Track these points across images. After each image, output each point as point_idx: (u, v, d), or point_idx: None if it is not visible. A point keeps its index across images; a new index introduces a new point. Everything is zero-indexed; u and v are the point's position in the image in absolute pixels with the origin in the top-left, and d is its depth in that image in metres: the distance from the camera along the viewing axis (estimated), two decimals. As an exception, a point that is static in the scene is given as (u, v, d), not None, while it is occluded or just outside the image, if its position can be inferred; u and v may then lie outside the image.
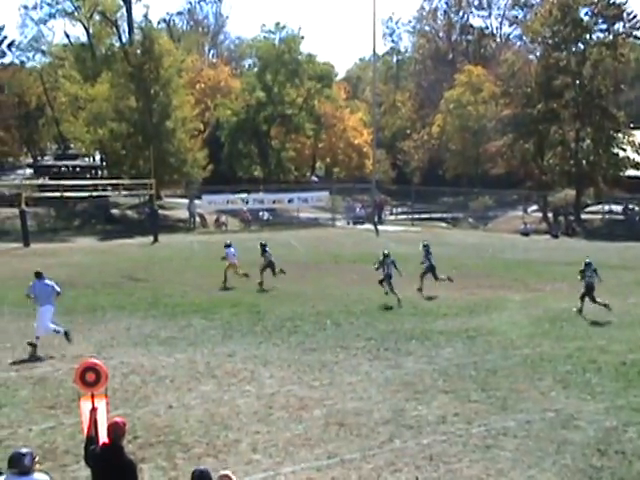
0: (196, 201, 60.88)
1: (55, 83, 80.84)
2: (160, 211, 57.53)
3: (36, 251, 44.61)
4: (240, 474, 12.29)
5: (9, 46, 70.09)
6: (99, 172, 78.04)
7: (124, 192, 58.08)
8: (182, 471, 12.17)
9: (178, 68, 66.64)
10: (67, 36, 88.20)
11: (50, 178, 68.99)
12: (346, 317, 24.53)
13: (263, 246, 32.37)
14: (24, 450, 8.91)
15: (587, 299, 25.28)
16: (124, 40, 75.93)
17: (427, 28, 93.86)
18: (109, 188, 59.12)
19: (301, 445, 13.61)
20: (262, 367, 18.65)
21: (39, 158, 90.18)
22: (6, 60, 71.69)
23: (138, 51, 65.49)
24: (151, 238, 49.77)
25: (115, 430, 9.18)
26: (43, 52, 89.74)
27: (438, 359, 19.42)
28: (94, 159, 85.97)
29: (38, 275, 21.73)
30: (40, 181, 68.96)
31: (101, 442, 9.44)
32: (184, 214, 61.40)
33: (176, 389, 16.89)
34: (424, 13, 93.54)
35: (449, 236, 53.29)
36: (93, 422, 9.67)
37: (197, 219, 60.34)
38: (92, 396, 9.84)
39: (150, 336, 22.02)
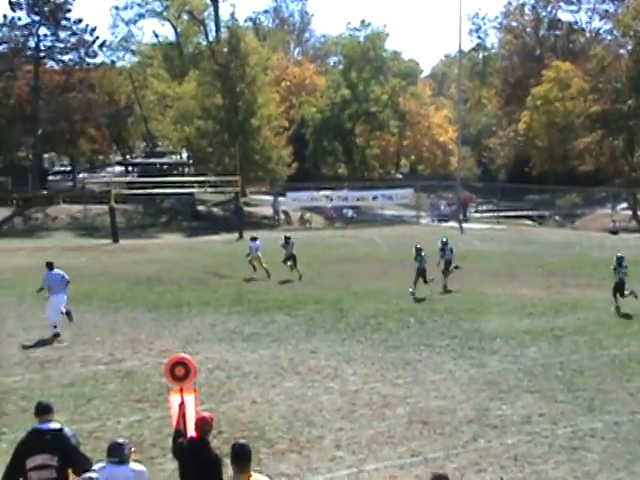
0: (280, 198, 61.21)
1: (144, 82, 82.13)
2: (245, 208, 58.02)
3: (125, 247, 45.39)
4: (323, 470, 12.37)
5: (100, 46, 71.36)
6: (186, 169, 79.02)
7: (210, 189, 58.75)
8: (266, 466, 12.26)
9: (264, 66, 67.08)
10: (156, 35, 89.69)
11: (138, 175, 70.18)
12: (430, 315, 24.41)
13: (287, 238, 33.41)
14: (121, 440, 9.15)
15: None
16: (211, 39, 76.86)
17: (514, 23, 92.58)
18: (195, 185, 59.82)
19: (384, 443, 13.59)
20: (345, 364, 18.66)
21: (128, 156, 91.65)
22: (97, 60, 73.05)
23: (225, 49, 66.16)
24: (236, 235, 50.18)
25: (203, 425, 9.29)
26: (133, 52, 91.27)
27: (523, 358, 19.20)
28: (181, 156, 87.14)
29: (49, 265, 22.97)
30: (129, 178, 70.21)
31: (189, 436, 9.58)
32: (269, 211, 61.83)
33: (260, 385, 17.01)
34: (511, 8, 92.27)
35: (535, 234, 52.62)
36: (181, 416, 9.82)
37: (282, 216, 60.67)
38: (181, 390, 9.98)
39: (234, 332, 22.22)
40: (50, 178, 78.53)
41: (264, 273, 32.37)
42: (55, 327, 21.96)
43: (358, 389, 16.64)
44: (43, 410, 9.40)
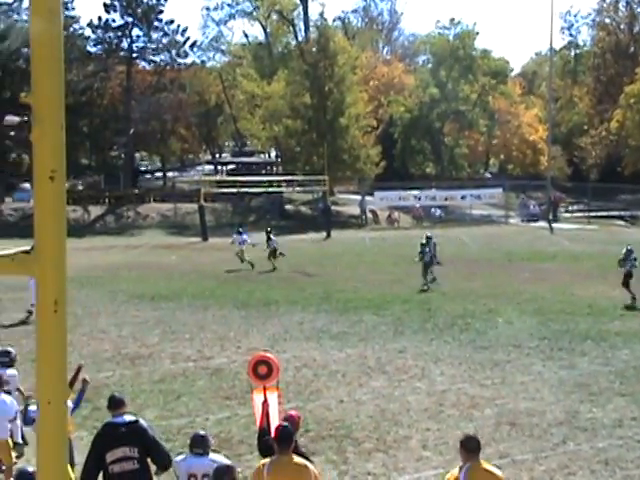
0: (368, 197, 61.22)
1: (233, 81, 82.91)
2: (333, 207, 58.16)
3: (214, 245, 45.92)
4: (410, 470, 12.33)
5: (191, 47, 72.37)
6: (274, 168, 79.55)
7: (298, 188, 59.08)
8: (352, 465, 12.29)
9: (352, 65, 67.13)
10: (245, 35, 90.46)
11: (228, 174, 70.92)
12: (518, 315, 24.14)
13: (268, 233, 36.32)
14: (203, 432, 9.29)
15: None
16: (300, 38, 77.23)
17: (607, 20, 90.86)
18: (283, 184, 60.21)
19: (472, 444, 13.48)
20: (433, 364, 18.59)
21: (217, 155, 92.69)
22: (188, 60, 74.10)
23: (313, 49, 66.43)
24: (324, 234, 50.36)
25: (290, 423, 9.34)
26: (223, 52, 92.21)
27: (614, 360, 18.85)
28: (269, 156, 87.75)
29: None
30: (218, 177, 71.00)
31: (272, 435, 9.64)
32: (356, 210, 61.87)
33: (347, 384, 17.04)
34: (604, 5, 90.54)
35: (627, 235, 51.53)
36: (265, 414, 9.87)
37: (369, 215, 60.67)
38: (264, 389, 10.04)
39: (322, 331, 22.30)
40: (142, 177, 79.92)
41: (249, 266, 34.89)
42: (32, 305, 22.29)
43: (445, 389, 16.56)
44: (117, 404, 9.56)
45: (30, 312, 23.05)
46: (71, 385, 11.26)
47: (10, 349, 13.58)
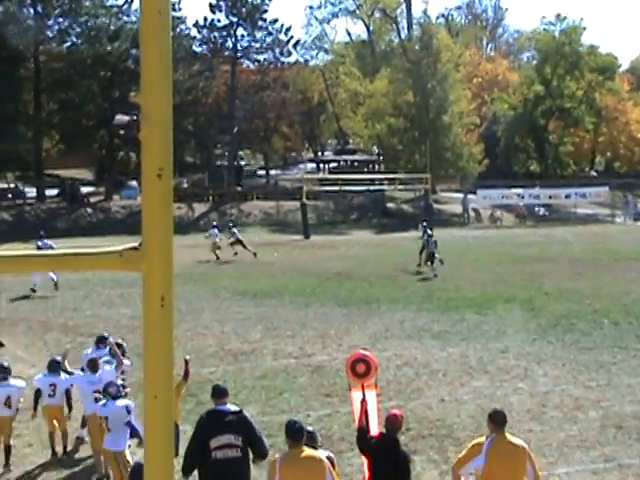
0: (470, 196, 60.72)
1: (336, 80, 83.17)
2: (435, 205, 57.86)
3: (315, 243, 46.14)
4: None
5: (295, 45, 72.87)
6: (376, 166, 79.51)
7: (400, 186, 58.96)
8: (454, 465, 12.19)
9: (455, 63, 66.72)
10: (348, 34, 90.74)
11: (330, 172, 71.16)
12: (625, 316, 23.61)
13: (231, 227, 39.68)
14: (310, 428, 9.39)
15: None
16: (403, 36, 77.03)
17: None
18: (385, 182, 60.11)
19: (576, 446, 13.26)
20: (536, 365, 18.32)
21: (320, 153, 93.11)
22: (291, 59, 74.72)
23: (416, 47, 66.23)
24: (425, 232, 50.17)
25: (393, 422, 9.33)
26: (326, 50, 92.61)
27: None
28: (372, 154, 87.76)
29: (41, 237, 29.20)
30: (320, 175, 71.31)
31: (376, 432, 9.63)
32: (458, 208, 61.44)
33: (448, 383, 16.93)
34: None
35: None
36: (364, 413, 9.87)
37: (471, 214, 60.18)
38: (362, 387, 10.04)
39: (423, 329, 22.20)
40: (244, 175, 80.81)
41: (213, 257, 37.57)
42: (35, 285, 26.90)
43: (548, 390, 16.31)
44: (220, 393, 9.83)
45: (34, 290, 27.63)
46: (186, 378, 11.60)
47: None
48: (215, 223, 41.93)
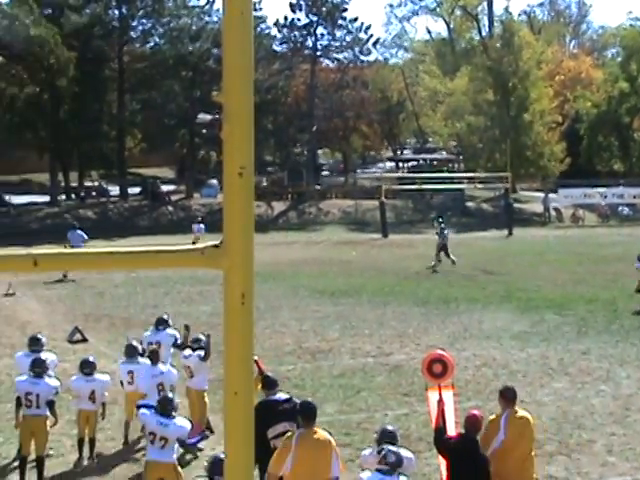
0: (551, 195, 59.98)
1: (416, 78, 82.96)
2: (515, 204, 57.29)
3: (393, 242, 46.06)
4: (594, 476, 11.99)
5: (374, 44, 72.86)
6: (455, 165, 79.05)
7: (479, 185, 58.53)
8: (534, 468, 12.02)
9: (537, 60, 65.92)
10: (429, 32, 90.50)
11: (409, 171, 70.97)
12: None
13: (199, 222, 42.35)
14: (390, 427, 9.44)
15: None
16: (484, 34, 76.43)
17: None
18: (465, 181, 59.73)
19: (660, 451, 13.00)
20: (618, 367, 18.00)
21: (399, 152, 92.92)
22: (371, 57, 74.80)
23: (497, 44, 65.67)
24: (505, 231, 49.69)
25: (472, 423, 9.28)
26: (405, 48, 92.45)
27: None
28: (451, 152, 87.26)
29: (74, 226, 33.79)
30: (399, 174, 71.17)
31: (453, 433, 9.58)
32: (539, 208, 60.72)
33: (528, 384, 16.74)
34: None
35: None
36: (441, 413, 9.82)
37: (552, 213, 59.43)
38: (439, 387, 9.98)
39: (502, 329, 21.99)
40: (323, 174, 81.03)
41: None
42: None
43: (632, 393, 16.02)
44: (271, 384, 10.24)
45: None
46: (261, 374, 11.75)
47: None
48: (200, 218, 45.44)
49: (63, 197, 61.59)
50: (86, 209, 56.51)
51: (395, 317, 23.87)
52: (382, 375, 17.63)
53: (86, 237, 33.07)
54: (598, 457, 12.72)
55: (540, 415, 14.64)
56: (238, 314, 1.94)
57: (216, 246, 1.96)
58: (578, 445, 13.24)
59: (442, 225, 35.28)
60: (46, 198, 58.82)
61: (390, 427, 9.57)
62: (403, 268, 34.32)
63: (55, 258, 2.06)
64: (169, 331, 15.16)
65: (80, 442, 12.99)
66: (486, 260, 36.40)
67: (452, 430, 9.63)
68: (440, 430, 9.57)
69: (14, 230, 47.68)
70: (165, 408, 10.63)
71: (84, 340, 20.66)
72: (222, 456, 8.95)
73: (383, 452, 8.51)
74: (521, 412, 9.99)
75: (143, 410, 10.89)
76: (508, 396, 9.99)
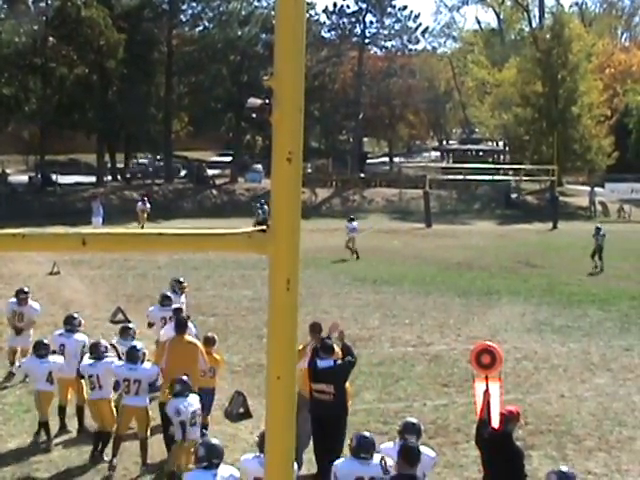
0: (598, 189, 59.39)
1: (464, 68, 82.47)
2: (560, 198, 56.80)
3: (437, 232, 45.88)
4: (634, 473, 11.88)
5: (423, 33, 72.65)
6: (501, 157, 78.52)
7: (525, 177, 58.12)
8: (572, 463, 11.94)
9: (587, 53, 65.17)
10: (478, 22, 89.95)
11: (454, 161, 70.62)
12: None
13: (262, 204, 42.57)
14: (414, 420, 9.39)
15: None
16: (534, 25, 75.74)
17: None
18: (510, 173, 59.32)
19: (701, 451, 12.84)
20: (661, 365, 17.82)
21: (444, 141, 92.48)
22: (419, 46, 74.55)
23: (547, 36, 65.01)
24: (550, 224, 49.30)
25: (509, 418, 9.23)
26: (454, 38, 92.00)
27: None
28: (497, 144, 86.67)
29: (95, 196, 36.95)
30: (444, 164, 70.85)
31: (497, 425, 9.53)
32: (585, 202, 60.16)
33: (569, 379, 16.61)
34: None
35: None
36: (486, 404, 9.76)
37: (598, 207, 58.84)
38: (486, 378, 9.93)
39: (544, 323, 21.83)
40: (368, 162, 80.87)
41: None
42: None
43: (674, 391, 15.83)
44: (326, 349, 11.29)
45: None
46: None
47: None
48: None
49: (109, 178, 62.08)
50: (131, 190, 56.85)
51: (436, 307, 23.78)
52: (422, 365, 17.58)
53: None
54: (638, 455, 12.60)
55: (580, 410, 14.56)
56: (283, 299, 1.95)
57: (263, 231, 1.97)
58: (618, 442, 13.12)
59: (598, 226, 34.25)
60: (92, 179, 59.36)
61: (414, 420, 9.50)
62: (445, 258, 34.18)
63: (103, 238, 2.08)
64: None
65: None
66: (529, 253, 36.13)
67: (496, 422, 9.57)
68: (483, 421, 9.50)
69: (60, 209, 48.18)
70: (133, 356, 11.91)
71: (126, 321, 20.81)
72: (214, 442, 9.09)
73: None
74: None
75: (116, 363, 12.18)
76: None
